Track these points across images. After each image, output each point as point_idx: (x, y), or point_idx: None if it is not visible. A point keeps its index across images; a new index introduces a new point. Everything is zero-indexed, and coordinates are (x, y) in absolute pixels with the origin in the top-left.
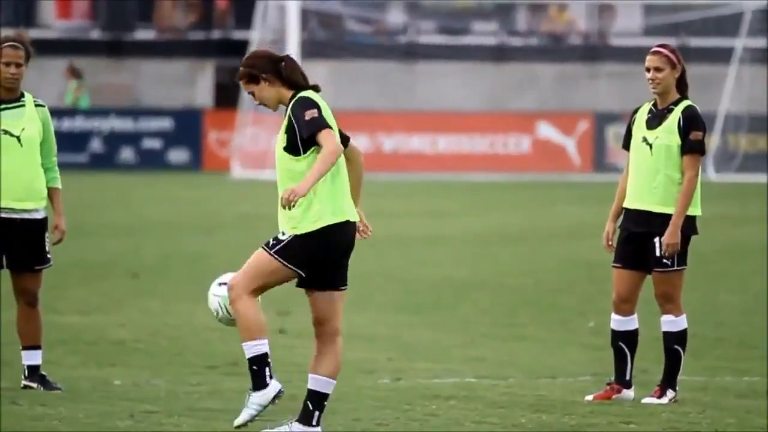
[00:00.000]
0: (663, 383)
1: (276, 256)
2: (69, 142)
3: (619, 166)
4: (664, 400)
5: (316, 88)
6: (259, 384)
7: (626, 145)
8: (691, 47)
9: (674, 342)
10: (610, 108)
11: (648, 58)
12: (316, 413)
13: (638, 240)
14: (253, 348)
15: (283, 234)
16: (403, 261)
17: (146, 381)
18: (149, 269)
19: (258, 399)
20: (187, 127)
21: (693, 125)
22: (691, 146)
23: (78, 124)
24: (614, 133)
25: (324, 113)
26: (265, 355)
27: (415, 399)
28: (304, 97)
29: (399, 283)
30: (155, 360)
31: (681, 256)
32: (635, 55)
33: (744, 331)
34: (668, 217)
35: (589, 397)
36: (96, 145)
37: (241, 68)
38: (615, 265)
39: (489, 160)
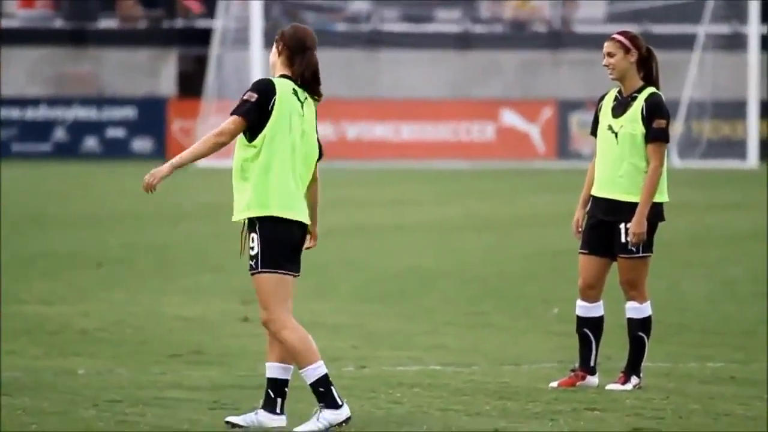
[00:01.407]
0: (627, 370)
1: (263, 269)
2: (32, 131)
3: (583, 153)
4: (628, 386)
5: (304, 80)
6: (332, 403)
7: (594, 132)
8: (654, 34)
9: (638, 329)
10: (574, 95)
11: (605, 44)
12: (278, 400)
13: (605, 227)
14: (314, 373)
15: (252, 248)
16: (367, 250)
17: (110, 370)
18: (113, 259)
19: (330, 416)
20: (151, 116)
21: (656, 113)
22: (655, 134)
23: (41, 113)
24: (578, 120)
25: (266, 104)
26: (326, 376)
27: (380, 387)
28: (259, 80)
29: (363, 272)
30: (119, 349)
31: (646, 243)
32: (599, 42)
33: (708, 317)
34: (634, 205)
35: (554, 384)
36: (60, 134)
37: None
38: (582, 251)
39: (453, 147)
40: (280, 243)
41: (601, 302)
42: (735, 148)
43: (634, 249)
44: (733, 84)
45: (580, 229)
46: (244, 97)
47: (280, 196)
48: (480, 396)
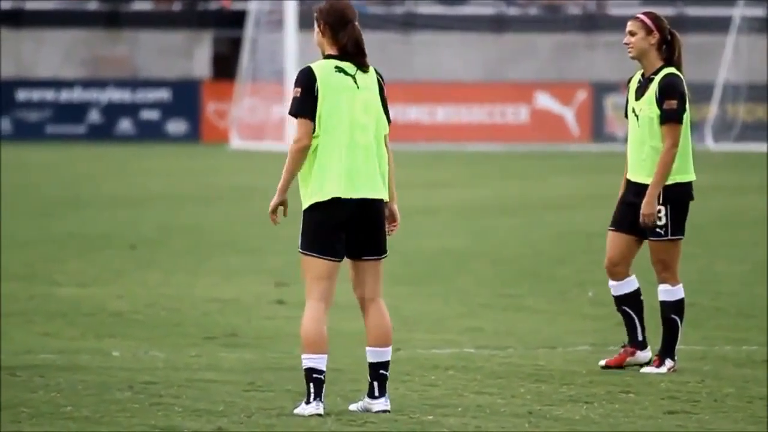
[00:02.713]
0: (661, 353)
1: (301, 251)
2: (67, 113)
3: (618, 135)
4: (663, 369)
5: (349, 56)
6: (306, 397)
7: (627, 113)
8: (689, 16)
9: (671, 311)
10: (608, 78)
11: (628, 23)
12: (375, 384)
13: (635, 207)
14: (304, 361)
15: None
16: (401, 232)
17: (145, 352)
18: (147, 241)
19: (302, 407)
20: (186, 99)
21: (667, 94)
22: (667, 116)
23: (76, 95)
24: (612, 102)
25: (311, 94)
26: (307, 371)
27: (414, 369)
28: (299, 72)
29: (397, 254)
30: (154, 331)
31: (677, 224)
32: None
33: (742, 300)
34: (670, 187)
35: (602, 363)
36: (94, 116)
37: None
38: (609, 228)
39: (487, 130)
40: (327, 225)
41: (632, 277)
42: None
43: (662, 232)
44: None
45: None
46: (293, 95)
47: (343, 177)
48: (514, 379)
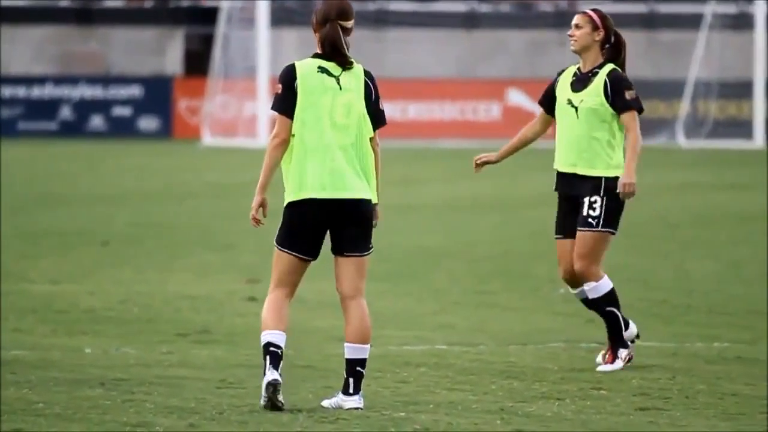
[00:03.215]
0: (612, 347)
1: (275, 243)
2: (39, 110)
3: None
4: (619, 363)
5: (329, 55)
6: (263, 370)
7: (542, 102)
8: (660, 13)
9: (606, 304)
10: None
11: (575, 16)
12: (350, 380)
13: (573, 206)
14: (262, 338)
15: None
16: (374, 229)
17: (116, 349)
18: (120, 237)
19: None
20: (157, 95)
21: (623, 85)
22: (629, 104)
23: (47, 91)
24: None
25: (290, 91)
26: (264, 345)
27: (386, 366)
28: (287, 65)
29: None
30: (126, 328)
31: (610, 217)
32: None
33: (714, 298)
34: (598, 179)
35: (601, 362)
36: (66, 113)
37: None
38: (557, 236)
39: (459, 127)
40: (299, 224)
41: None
42: (741, 128)
43: (593, 222)
44: (739, 63)
45: (479, 162)
46: (275, 91)
47: (316, 177)
48: (486, 376)
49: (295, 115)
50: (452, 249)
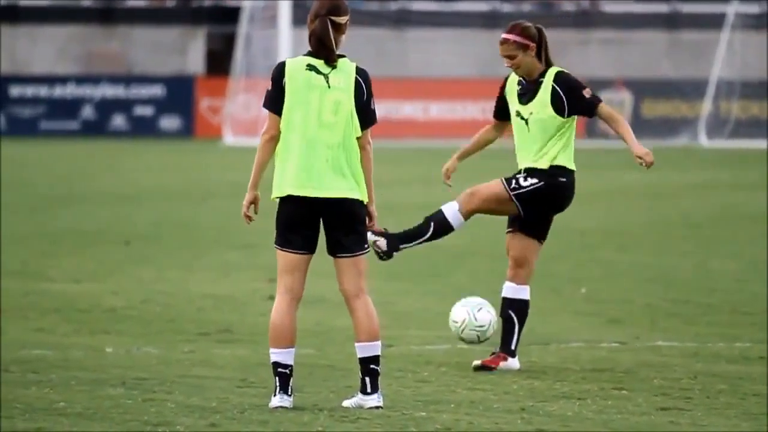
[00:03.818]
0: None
1: (275, 245)
2: (61, 109)
3: (610, 132)
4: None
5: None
6: (273, 390)
7: (495, 114)
8: (683, 13)
9: (513, 309)
10: (602, 74)
11: (499, 47)
12: (366, 379)
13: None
14: (270, 355)
15: None
16: (396, 228)
17: (138, 348)
18: (141, 237)
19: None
20: (179, 95)
21: (575, 89)
22: (592, 102)
23: (69, 91)
24: (606, 99)
25: (278, 88)
26: (275, 365)
27: (407, 366)
28: (278, 63)
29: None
30: (147, 327)
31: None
32: (627, 21)
33: (736, 297)
34: (555, 167)
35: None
36: (88, 112)
37: None
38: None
39: (481, 126)
40: (286, 220)
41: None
42: (763, 127)
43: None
44: (761, 63)
45: (449, 176)
46: (266, 89)
47: (296, 174)
48: (507, 375)
49: (282, 113)
50: (474, 248)
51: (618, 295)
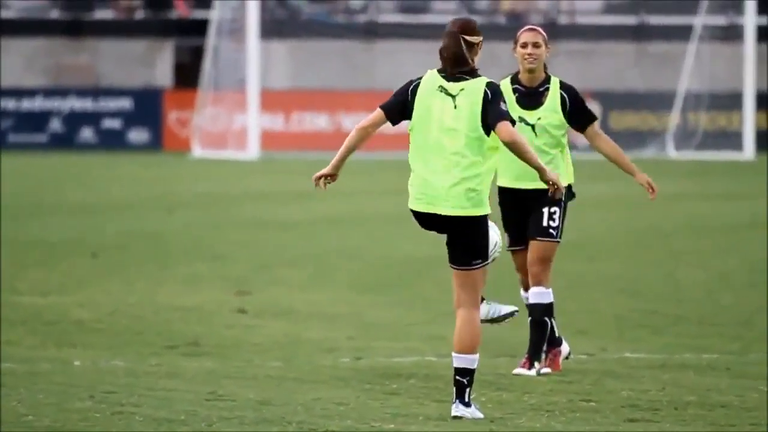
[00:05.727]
0: (531, 354)
1: None
2: (29, 122)
3: (577, 144)
4: (533, 371)
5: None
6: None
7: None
8: (651, 25)
9: (545, 314)
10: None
11: (525, 34)
12: (454, 388)
13: (522, 215)
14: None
15: None
16: (365, 239)
17: (106, 361)
18: (109, 249)
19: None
20: (147, 107)
21: (579, 98)
22: (592, 116)
23: (38, 104)
24: None
25: (405, 99)
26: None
27: (376, 378)
28: (415, 79)
29: (360, 262)
30: (115, 340)
31: (563, 227)
32: (594, 32)
33: (704, 308)
34: (569, 187)
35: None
36: (56, 125)
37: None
38: (514, 248)
39: None
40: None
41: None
42: (731, 139)
43: (554, 233)
44: (729, 75)
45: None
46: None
47: (416, 189)
48: (476, 387)
49: (410, 133)
50: (443, 259)
51: (586, 305)
